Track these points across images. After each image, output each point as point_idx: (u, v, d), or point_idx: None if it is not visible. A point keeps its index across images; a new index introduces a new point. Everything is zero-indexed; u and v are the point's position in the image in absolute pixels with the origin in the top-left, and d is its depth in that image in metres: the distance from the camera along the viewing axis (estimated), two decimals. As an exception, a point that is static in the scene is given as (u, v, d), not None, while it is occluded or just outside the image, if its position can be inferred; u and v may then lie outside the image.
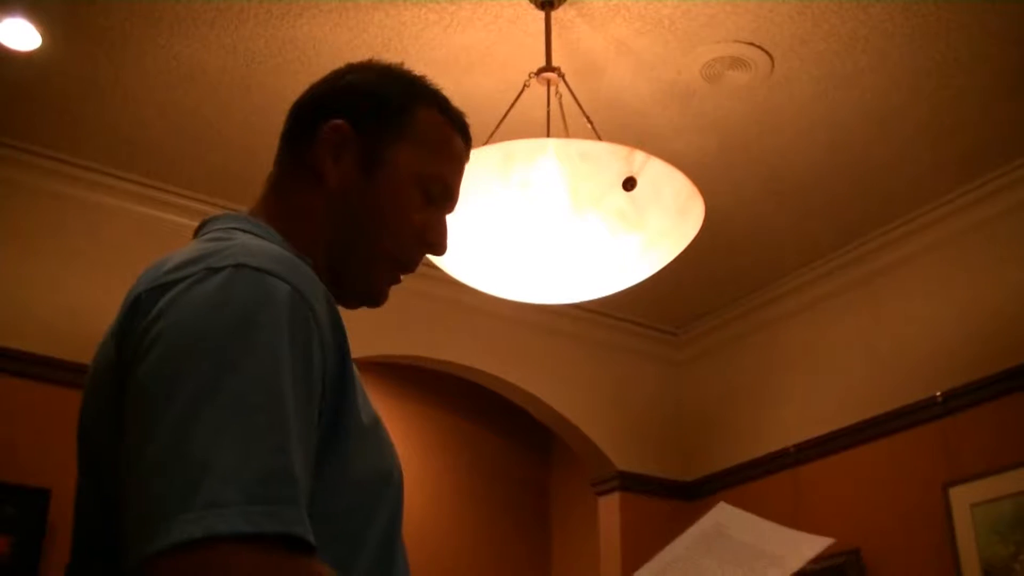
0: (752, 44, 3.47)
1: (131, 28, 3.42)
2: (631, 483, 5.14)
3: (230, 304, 1.03)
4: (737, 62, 3.54)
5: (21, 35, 3.44)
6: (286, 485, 0.95)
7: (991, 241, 4.13)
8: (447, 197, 1.37)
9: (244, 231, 1.22)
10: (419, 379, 5.60)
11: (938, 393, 4.12)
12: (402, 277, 1.36)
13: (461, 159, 1.39)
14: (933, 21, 3.33)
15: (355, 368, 1.16)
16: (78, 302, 4.03)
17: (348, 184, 1.30)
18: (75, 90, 3.73)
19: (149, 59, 3.57)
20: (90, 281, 4.08)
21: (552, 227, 2.77)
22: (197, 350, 1.00)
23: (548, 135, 3.10)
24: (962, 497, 3.94)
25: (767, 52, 3.50)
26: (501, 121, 3.16)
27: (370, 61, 1.41)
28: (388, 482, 1.17)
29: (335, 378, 1.10)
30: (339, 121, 1.31)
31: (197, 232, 1.28)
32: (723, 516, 1.60)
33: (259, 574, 0.91)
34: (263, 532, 0.91)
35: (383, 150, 1.31)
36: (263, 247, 1.12)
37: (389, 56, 3.73)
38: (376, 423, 1.19)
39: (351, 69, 1.39)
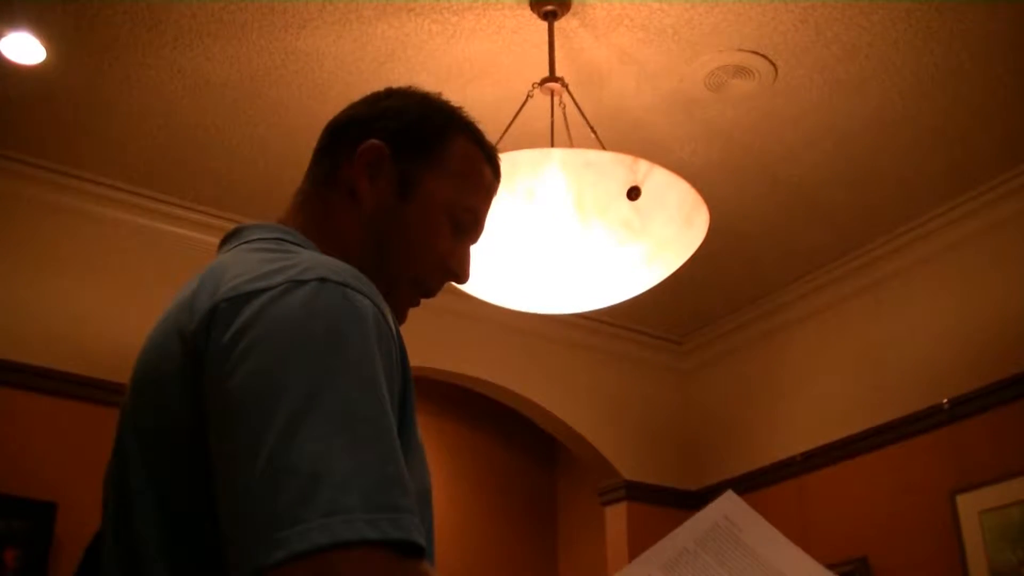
0: (755, 52, 3.47)
1: (135, 41, 3.43)
2: (637, 493, 5.13)
3: (320, 317, 1.04)
4: (740, 70, 3.54)
5: (26, 49, 3.45)
6: (401, 491, 0.96)
7: (996, 247, 4.12)
8: (474, 228, 1.40)
9: (296, 244, 1.24)
10: (424, 390, 5.59)
11: (944, 400, 4.12)
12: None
13: (491, 191, 1.42)
14: (936, 27, 3.33)
15: None
16: (84, 315, 4.03)
17: (381, 205, 1.32)
18: (80, 103, 3.74)
19: (153, 72, 3.58)
20: (96, 294, 4.09)
21: (557, 237, 2.77)
22: (294, 362, 1.01)
23: (552, 145, 3.10)
24: (970, 504, 3.93)
25: (770, 60, 3.50)
26: (505, 131, 3.17)
27: (410, 87, 1.42)
28: (429, 504, 1.18)
29: (402, 392, 1.11)
30: (377, 141, 1.33)
31: (230, 239, 1.30)
32: (732, 512, 1.57)
33: None
34: (388, 539, 0.92)
35: (418, 176, 1.33)
36: (336, 262, 1.14)
37: (393, 67, 3.74)
38: (422, 446, 1.21)
39: (390, 93, 1.41)
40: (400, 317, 1.36)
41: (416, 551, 0.95)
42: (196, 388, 1.07)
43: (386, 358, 1.06)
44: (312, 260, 1.13)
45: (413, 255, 1.33)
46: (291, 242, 1.24)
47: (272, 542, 0.91)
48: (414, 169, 1.33)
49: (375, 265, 1.30)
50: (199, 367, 1.07)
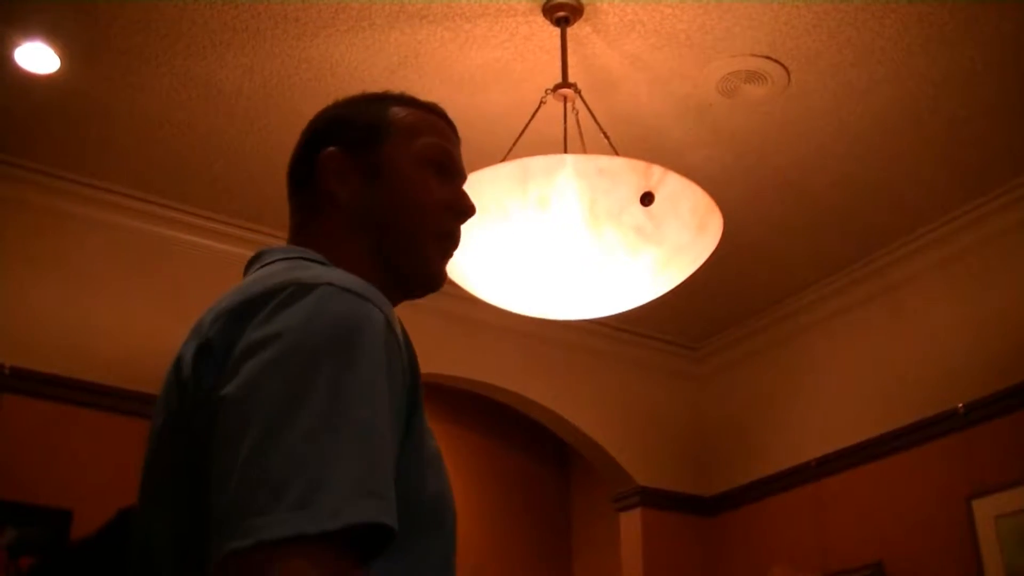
0: (768, 57, 3.47)
1: (149, 50, 3.45)
2: (652, 499, 5.12)
3: (328, 320, 1.07)
4: (753, 75, 3.54)
5: (40, 58, 3.47)
6: (382, 484, 1.00)
7: (1011, 251, 4.11)
8: (453, 165, 1.42)
9: (312, 260, 1.26)
10: (437, 397, 5.59)
11: (960, 405, 4.10)
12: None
13: (446, 131, 1.44)
14: (949, 31, 3.32)
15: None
16: (97, 323, 4.04)
17: (360, 193, 1.36)
18: (93, 112, 3.75)
19: (166, 80, 3.59)
20: (109, 302, 4.10)
21: (570, 243, 2.77)
22: (296, 363, 1.03)
23: (565, 151, 3.10)
24: (986, 509, 3.91)
25: (783, 65, 3.49)
26: (518, 138, 3.17)
27: (343, 98, 1.48)
28: (448, 510, 1.19)
29: (410, 402, 1.13)
30: (329, 149, 1.37)
31: (253, 263, 1.33)
32: None
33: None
34: (371, 523, 0.97)
35: (377, 155, 1.37)
36: (346, 273, 1.17)
37: (405, 74, 3.74)
38: (439, 454, 1.22)
39: (325, 109, 1.48)
40: (439, 276, 1.39)
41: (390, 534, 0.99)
42: (202, 399, 1.09)
43: (391, 365, 1.08)
44: (322, 270, 1.17)
45: (419, 212, 1.36)
46: (309, 259, 1.26)
47: (240, 531, 0.94)
48: (372, 153, 1.37)
49: (394, 243, 1.34)
50: (207, 377, 1.10)
